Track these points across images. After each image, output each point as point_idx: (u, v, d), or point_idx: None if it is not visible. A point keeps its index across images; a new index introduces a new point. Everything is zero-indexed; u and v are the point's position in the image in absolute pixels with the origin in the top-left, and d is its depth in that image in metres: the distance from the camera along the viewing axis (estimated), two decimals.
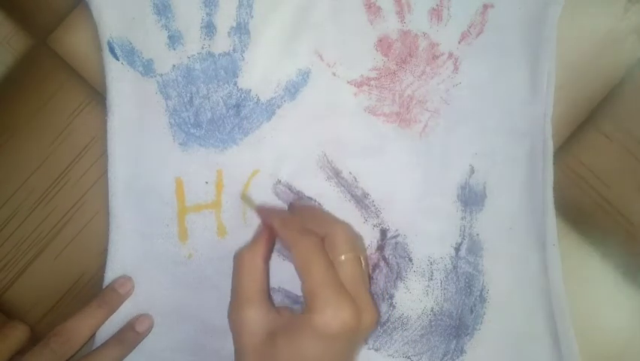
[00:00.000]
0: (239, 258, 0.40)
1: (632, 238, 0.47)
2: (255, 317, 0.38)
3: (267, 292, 0.40)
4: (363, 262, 0.40)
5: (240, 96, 0.46)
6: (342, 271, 0.38)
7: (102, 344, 0.44)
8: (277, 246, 0.46)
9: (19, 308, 0.47)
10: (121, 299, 0.45)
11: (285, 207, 0.46)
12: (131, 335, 0.44)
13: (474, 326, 0.46)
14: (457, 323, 0.46)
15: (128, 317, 0.45)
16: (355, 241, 0.40)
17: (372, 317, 0.38)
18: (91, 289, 0.47)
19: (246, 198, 0.45)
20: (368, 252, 0.46)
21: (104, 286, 0.45)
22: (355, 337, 0.37)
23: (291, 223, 0.40)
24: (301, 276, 0.37)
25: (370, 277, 0.46)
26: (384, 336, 0.46)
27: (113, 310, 0.44)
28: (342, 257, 0.38)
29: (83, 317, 0.43)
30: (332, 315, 0.36)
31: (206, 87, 0.46)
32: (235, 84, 0.46)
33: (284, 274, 0.45)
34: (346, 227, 0.41)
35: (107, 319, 0.44)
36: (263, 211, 0.43)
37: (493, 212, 0.46)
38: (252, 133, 0.46)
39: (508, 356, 0.45)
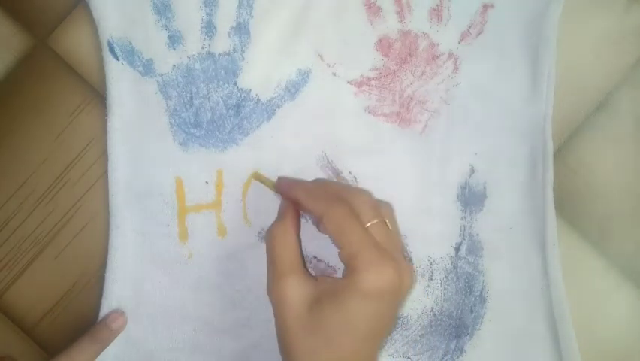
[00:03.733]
0: (271, 234, 0.40)
1: (633, 237, 0.47)
2: (296, 286, 0.38)
3: (303, 262, 0.40)
4: (389, 225, 0.40)
5: (240, 96, 0.46)
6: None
7: (75, 343, 0.43)
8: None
9: (19, 308, 0.47)
10: (113, 335, 0.45)
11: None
12: (104, 332, 0.44)
13: (474, 326, 0.46)
14: (457, 323, 0.46)
15: (131, 317, 0.45)
16: (379, 206, 0.40)
17: (410, 276, 0.38)
18: (91, 289, 0.47)
19: (259, 176, 0.45)
20: None
21: (104, 287, 0.45)
22: (398, 296, 0.37)
23: (316, 193, 0.40)
24: (338, 242, 0.37)
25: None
26: None
27: (105, 346, 0.44)
28: (369, 224, 0.38)
29: (74, 353, 0.43)
30: (376, 274, 0.36)
31: (206, 87, 0.46)
32: (235, 84, 0.46)
33: None
34: (367, 194, 0.41)
35: (99, 354, 0.44)
36: (283, 186, 0.43)
37: (493, 212, 0.46)
38: (252, 133, 0.46)
39: (508, 356, 0.45)
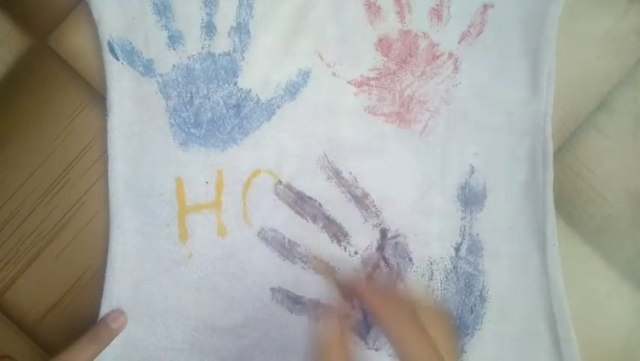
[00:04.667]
0: (326, 338, 0.38)
1: (632, 237, 0.47)
2: None
3: None
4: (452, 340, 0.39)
5: (240, 96, 0.46)
6: None
7: (75, 343, 0.43)
8: (277, 245, 0.46)
9: (19, 308, 0.47)
10: (113, 334, 0.45)
11: (287, 207, 0.46)
12: (105, 332, 0.44)
13: (474, 326, 0.46)
14: (457, 323, 0.46)
15: (130, 317, 0.45)
16: (445, 318, 0.40)
17: None
18: (91, 289, 0.47)
19: (320, 266, 0.45)
20: (368, 252, 0.46)
21: (104, 287, 0.45)
22: None
23: (388, 301, 0.39)
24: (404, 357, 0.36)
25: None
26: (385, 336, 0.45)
27: (104, 345, 0.44)
28: (433, 335, 0.37)
29: (74, 351, 0.43)
30: None
31: (206, 87, 0.46)
32: (235, 84, 0.46)
33: (284, 274, 0.45)
34: (435, 306, 0.41)
35: (98, 354, 0.44)
36: (353, 285, 0.41)
37: (493, 212, 0.46)
38: (252, 133, 0.46)
39: (508, 356, 0.45)
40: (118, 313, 0.45)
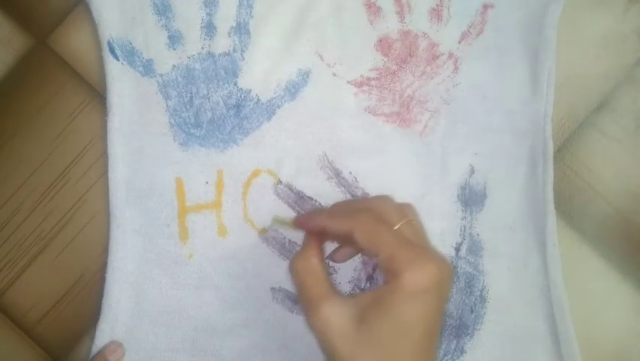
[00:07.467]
0: (294, 267, 0.39)
1: (633, 237, 0.47)
2: (335, 309, 0.37)
3: (333, 286, 0.39)
4: (416, 224, 0.39)
5: (240, 96, 0.46)
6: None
7: None
8: (277, 245, 0.46)
9: (19, 308, 0.47)
10: None
11: (287, 207, 0.46)
12: None
13: (474, 326, 0.46)
14: (457, 323, 0.46)
15: (131, 317, 0.45)
16: (402, 208, 0.40)
17: (449, 268, 0.37)
18: (91, 289, 0.47)
19: (278, 220, 0.46)
20: None
21: (104, 287, 0.45)
22: (442, 289, 0.37)
23: (338, 212, 0.40)
24: (373, 249, 0.37)
25: (372, 278, 0.46)
26: None
27: None
28: (397, 226, 0.38)
29: None
30: (418, 272, 0.35)
31: (206, 87, 0.46)
32: (235, 84, 0.46)
33: (284, 274, 0.45)
34: (388, 199, 0.41)
35: None
36: (302, 219, 0.42)
37: (493, 212, 0.46)
38: (253, 133, 0.46)
39: (508, 356, 0.45)
40: (116, 345, 0.45)
